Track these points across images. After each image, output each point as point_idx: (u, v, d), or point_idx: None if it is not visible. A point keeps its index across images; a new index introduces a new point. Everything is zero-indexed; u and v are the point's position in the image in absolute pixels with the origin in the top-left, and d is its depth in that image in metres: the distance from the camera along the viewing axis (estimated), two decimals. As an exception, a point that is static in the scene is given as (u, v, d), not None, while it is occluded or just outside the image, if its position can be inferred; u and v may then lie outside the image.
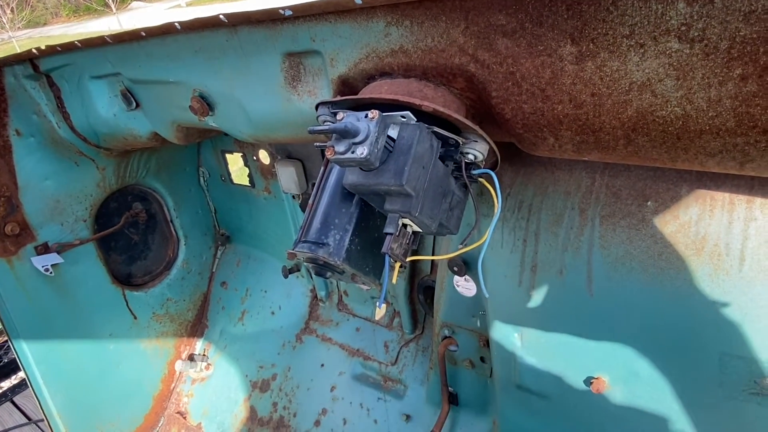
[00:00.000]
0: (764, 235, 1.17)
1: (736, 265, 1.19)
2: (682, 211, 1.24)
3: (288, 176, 2.53)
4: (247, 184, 2.97)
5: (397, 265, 1.21)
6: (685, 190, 1.24)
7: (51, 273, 2.54)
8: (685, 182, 1.24)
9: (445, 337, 2.11)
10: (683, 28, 0.85)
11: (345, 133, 1.08)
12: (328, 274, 1.31)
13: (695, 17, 0.83)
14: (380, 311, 1.33)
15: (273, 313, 3.17)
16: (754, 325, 1.21)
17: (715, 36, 0.83)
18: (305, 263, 1.32)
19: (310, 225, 1.28)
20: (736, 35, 0.82)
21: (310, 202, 1.31)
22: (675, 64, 0.88)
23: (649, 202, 1.28)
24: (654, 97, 0.93)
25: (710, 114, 0.90)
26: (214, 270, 3.41)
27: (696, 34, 0.85)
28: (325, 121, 1.21)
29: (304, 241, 1.27)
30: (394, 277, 1.23)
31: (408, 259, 1.20)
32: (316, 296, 3.03)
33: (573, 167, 1.41)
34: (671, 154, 1.01)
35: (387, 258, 1.15)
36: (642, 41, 0.89)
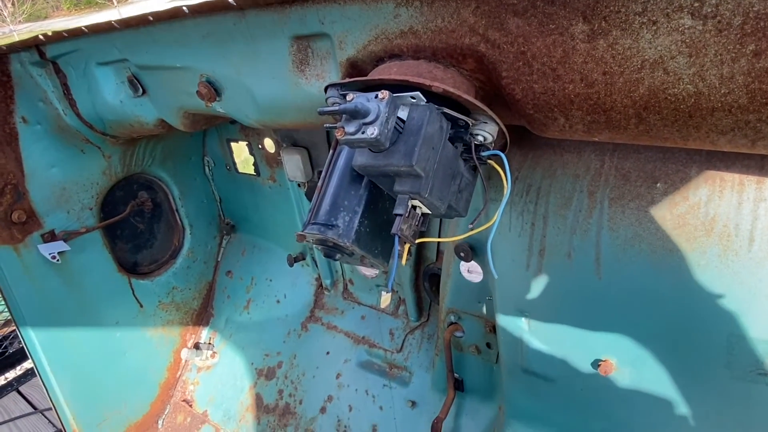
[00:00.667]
0: (774, 216, 1.17)
1: (745, 245, 1.19)
2: (691, 193, 1.24)
3: (293, 164, 2.53)
4: (253, 173, 2.97)
5: (407, 246, 1.21)
6: (695, 171, 1.24)
7: (58, 260, 2.55)
8: (694, 163, 1.24)
9: (451, 323, 2.12)
10: (696, 4, 0.85)
11: (355, 114, 1.08)
12: (338, 256, 1.31)
13: (709, -7, 0.83)
14: (385, 298, 1.33)
15: (278, 301, 3.18)
16: (763, 305, 1.21)
17: (728, 12, 0.83)
18: (314, 245, 1.32)
19: (320, 207, 1.28)
20: (750, 11, 0.81)
21: (319, 184, 1.31)
22: (687, 41, 0.88)
23: (658, 184, 1.28)
24: (666, 75, 0.93)
25: (723, 91, 0.90)
26: (219, 259, 3.43)
27: (709, 10, 0.84)
28: (334, 103, 1.21)
29: (314, 223, 1.27)
30: (404, 258, 1.23)
31: (417, 240, 1.21)
32: (321, 285, 3.04)
33: (582, 150, 1.41)
34: (683, 132, 1.01)
35: (397, 239, 1.15)
36: (654, 18, 0.89)
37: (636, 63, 0.95)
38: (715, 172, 1.21)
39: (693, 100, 0.93)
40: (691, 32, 0.88)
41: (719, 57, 0.87)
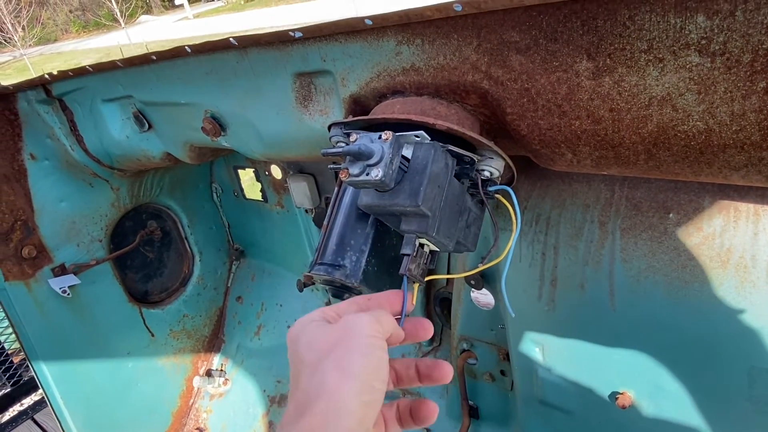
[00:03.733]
0: (792, 246, 1.13)
1: (763, 277, 1.16)
2: (705, 223, 1.21)
3: (300, 191, 2.52)
4: (260, 199, 2.97)
5: (416, 286, 1.19)
6: (708, 201, 1.21)
7: (69, 294, 2.55)
8: (707, 193, 1.21)
9: (464, 351, 2.09)
10: (703, 41, 0.83)
11: (359, 156, 1.06)
12: (346, 295, 1.29)
13: (716, 30, 0.81)
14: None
15: (289, 326, 3.16)
16: (784, 337, 1.17)
17: (737, 49, 0.81)
18: (322, 285, 1.31)
19: (326, 247, 1.27)
20: (759, 48, 0.79)
21: (325, 223, 1.30)
22: (696, 78, 0.86)
23: (671, 214, 1.26)
24: (675, 112, 0.91)
25: (734, 128, 0.88)
26: (229, 285, 3.42)
27: (717, 47, 0.82)
28: (338, 142, 1.20)
29: (321, 264, 1.26)
30: (414, 298, 1.21)
31: (426, 278, 1.19)
32: (331, 309, 3.01)
33: (591, 179, 1.39)
34: (694, 168, 0.99)
35: (405, 279, 1.13)
36: (661, 55, 0.87)
37: (643, 100, 0.93)
38: (729, 201, 1.18)
39: (704, 137, 0.91)
40: (699, 69, 0.85)
41: (729, 94, 0.85)
